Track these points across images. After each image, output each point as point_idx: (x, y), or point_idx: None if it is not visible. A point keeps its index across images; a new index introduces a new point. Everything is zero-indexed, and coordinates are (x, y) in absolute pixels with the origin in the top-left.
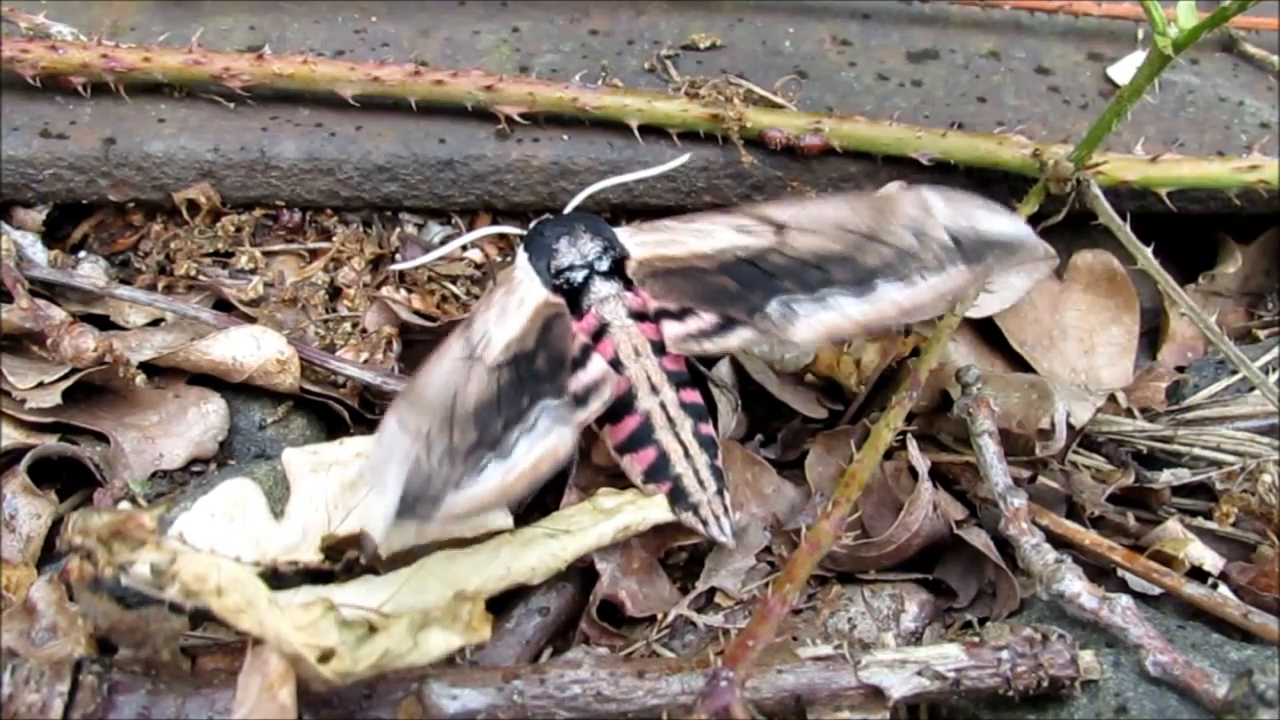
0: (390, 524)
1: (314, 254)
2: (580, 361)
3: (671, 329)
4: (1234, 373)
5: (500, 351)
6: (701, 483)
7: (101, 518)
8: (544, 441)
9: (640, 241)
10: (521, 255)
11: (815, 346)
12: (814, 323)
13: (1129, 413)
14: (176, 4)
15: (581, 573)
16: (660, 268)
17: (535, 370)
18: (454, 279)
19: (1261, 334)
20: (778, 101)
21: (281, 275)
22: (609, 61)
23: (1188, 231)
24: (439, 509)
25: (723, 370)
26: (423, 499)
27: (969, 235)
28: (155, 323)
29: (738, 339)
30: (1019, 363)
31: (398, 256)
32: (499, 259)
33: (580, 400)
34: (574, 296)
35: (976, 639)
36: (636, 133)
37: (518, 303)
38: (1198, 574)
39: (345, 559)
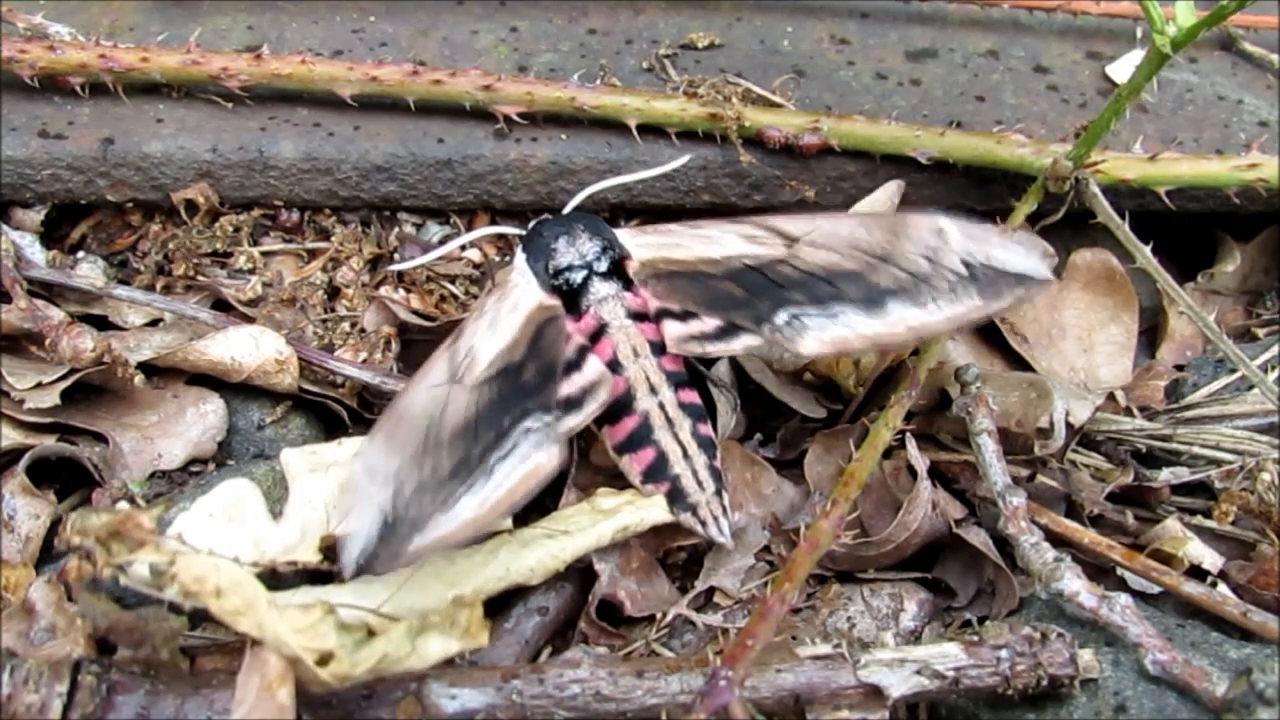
0: (351, 577)
1: (312, 254)
2: (576, 364)
3: (673, 329)
4: (1233, 371)
5: (484, 369)
6: (700, 483)
7: (100, 518)
8: (523, 466)
9: (643, 243)
10: (519, 256)
11: (822, 358)
12: (823, 336)
13: (1128, 411)
14: (174, 4)
15: (580, 573)
16: (664, 269)
17: (522, 384)
18: (452, 279)
19: (1260, 332)
20: (776, 100)
21: (280, 275)
22: (607, 61)
23: (1186, 230)
24: (400, 559)
25: (721, 370)
26: (383, 554)
27: (983, 266)
28: (154, 323)
29: (741, 345)
30: (1018, 361)
31: (396, 256)
32: (497, 259)
33: (574, 404)
34: (572, 297)
35: (975, 638)
36: (635, 132)
37: (511, 308)
38: (1197, 572)
39: None
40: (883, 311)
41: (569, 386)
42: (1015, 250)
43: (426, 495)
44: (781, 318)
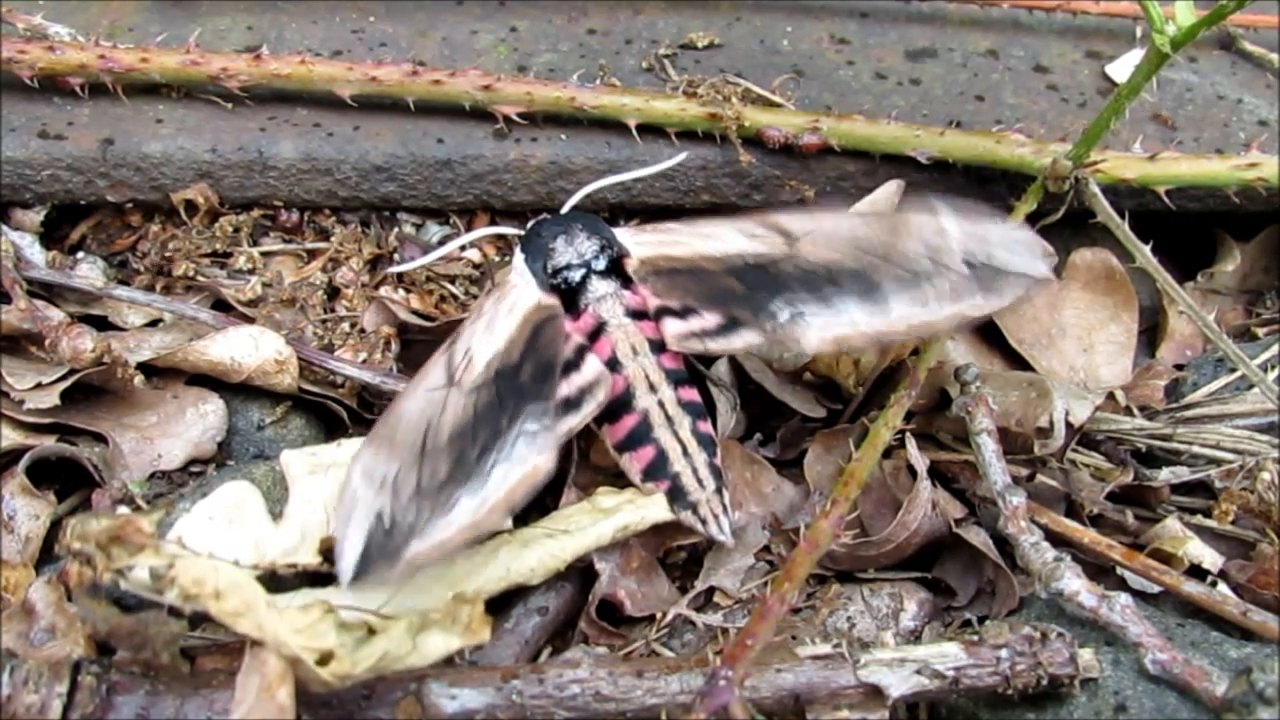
0: (350, 584)
1: (312, 254)
2: (574, 364)
3: (673, 326)
4: (1233, 370)
5: (481, 371)
6: (700, 481)
7: (100, 523)
8: (520, 468)
9: (642, 241)
10: (518, 255)
11: (823, 354)
12: (825, 333)
13: (1128, 411)
14: (174, 4)
15: (580, 572)
16: (664, 266)
17: (519, 385)
18: (452, 279)
19: (1260, 332)
20: (776, 100)
21: (280, 275)
22: (607, 61)
23: (1186, 229)
24: (398, 564)
25: (721, 369)
26: (380, 559)
27: (984, 264)
28: (153, 323)
29: (742, 341)
30: (1018, 361)
31: (396, 256)
32: (497, 259)
33: (573, 404)
34: (571, 296)
35: (975, 637)
36: (634, 132)
37: (508, 309)
38: (1197, 572)
39: None
40: (885, 308)
41: (567, 387)
42: (1016, 249)
43: (425, 500)
44: (783, 313)
